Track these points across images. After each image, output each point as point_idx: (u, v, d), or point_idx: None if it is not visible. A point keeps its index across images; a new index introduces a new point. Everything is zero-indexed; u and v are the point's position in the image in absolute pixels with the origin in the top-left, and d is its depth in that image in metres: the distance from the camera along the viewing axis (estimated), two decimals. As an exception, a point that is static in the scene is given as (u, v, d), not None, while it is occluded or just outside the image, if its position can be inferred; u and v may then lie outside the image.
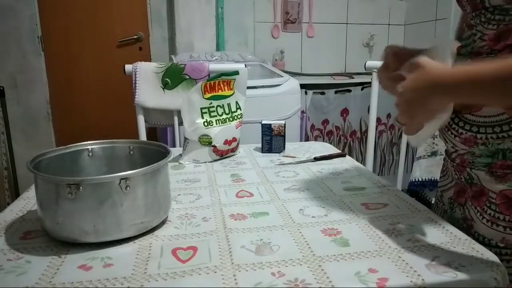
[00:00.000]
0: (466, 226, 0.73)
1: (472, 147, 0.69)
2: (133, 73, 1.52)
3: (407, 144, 1.58)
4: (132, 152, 0.85)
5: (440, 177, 0.86)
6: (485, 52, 0.67)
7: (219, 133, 1.15)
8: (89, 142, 0.83)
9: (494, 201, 0.68)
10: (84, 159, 0.82)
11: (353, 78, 2.87)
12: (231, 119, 1.19)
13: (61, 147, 0.79)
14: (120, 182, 0.64)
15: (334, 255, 0.62)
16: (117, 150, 0.85)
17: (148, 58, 2.70)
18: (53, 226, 0.65)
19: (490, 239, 0.69)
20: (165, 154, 0.75)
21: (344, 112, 2.79)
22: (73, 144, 0.81)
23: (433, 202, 0.88)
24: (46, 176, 0.65)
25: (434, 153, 1.53)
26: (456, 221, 0.75)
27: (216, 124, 1.16)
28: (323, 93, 2.71)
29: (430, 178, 1.55)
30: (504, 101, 0.59)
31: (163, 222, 0.74)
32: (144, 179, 0.68)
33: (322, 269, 0.58)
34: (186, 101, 1.12)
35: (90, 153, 0.83)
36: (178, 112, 1.49)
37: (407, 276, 0.56)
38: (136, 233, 0.68)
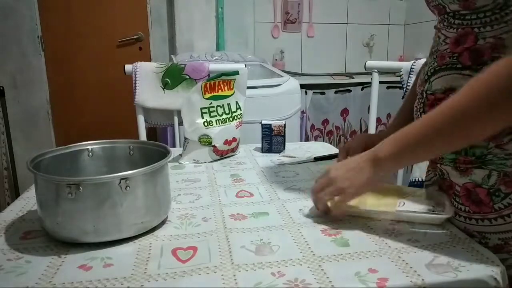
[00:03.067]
0: None
1: None
2: (133, 73, 1.52)
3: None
4: (132, 152, 0.85)
5: (426, 173, 0.92)
6: (448, 55, 0.72)
7: (219, 133, 1.15)
8: (89, 142, 0.83)
9: (458, 193, 0.73)
10: (84, 159, 0.82)
11: (353, 78, 2.87)
12: (231, 119, 1.19)
13: (61, 147, 0.79)
14: (120, 182, 0.64)
15: (334, 255, 0.62)
16: (117, 150, 0.85)
17: (148, 58, 2.70)
18: (53, 226, 0.65)
19: None
20: (165, 154, 0.75)
21: (344, 112, 2.79)
22: (73, 144, 0.81)
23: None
24: (46, 176, 0.65)
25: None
26: None
27: (216, 124, 1.15)
28: (323, 93, 2.71)
29: (430, 178, 1.55)
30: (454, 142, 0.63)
31: (163, 222, 0.74)
32: (144, 179, 0.68)
33: (322, 269, 0.58)
34: (186, 101, 1.12)
35: (90, 153, 0.83)
36: (178, 112, 1.49)
37: (407, 276, 0.56)
38: (136, 233, 0.68)
